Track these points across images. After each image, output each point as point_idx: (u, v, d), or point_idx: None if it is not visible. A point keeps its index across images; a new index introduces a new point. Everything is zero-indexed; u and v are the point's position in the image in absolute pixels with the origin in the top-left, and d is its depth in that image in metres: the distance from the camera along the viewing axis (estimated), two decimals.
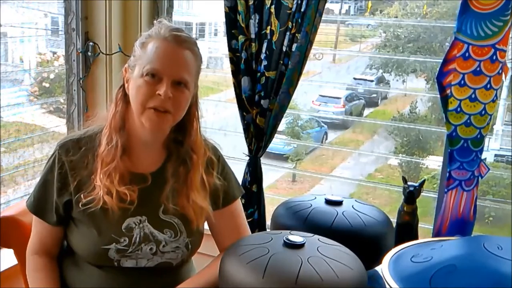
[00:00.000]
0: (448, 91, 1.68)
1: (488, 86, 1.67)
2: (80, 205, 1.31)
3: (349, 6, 7.74)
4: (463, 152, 1.73)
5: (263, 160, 2.12)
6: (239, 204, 1.52)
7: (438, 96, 1.71)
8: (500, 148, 5.21)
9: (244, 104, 2.02)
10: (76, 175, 1.33)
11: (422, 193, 1.76)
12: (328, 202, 1.55)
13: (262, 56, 1.96)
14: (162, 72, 1.28)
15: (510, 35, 1.67)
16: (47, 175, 1.37)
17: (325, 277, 1.15)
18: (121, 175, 1.31)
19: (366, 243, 1.44)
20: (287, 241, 1.24)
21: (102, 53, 2.27)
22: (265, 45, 1.95)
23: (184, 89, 1.30)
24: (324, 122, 6.95)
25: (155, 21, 1.36)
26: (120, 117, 1.35)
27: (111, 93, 2.26)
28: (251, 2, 1.94)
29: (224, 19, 2.00)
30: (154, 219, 1.35)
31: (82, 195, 1.31)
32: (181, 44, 1.31)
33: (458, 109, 1.69)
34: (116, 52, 2.27)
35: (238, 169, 1.97)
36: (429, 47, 6.36)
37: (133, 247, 1.32)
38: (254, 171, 2.08)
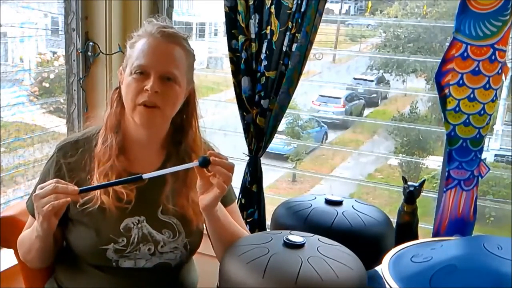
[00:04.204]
0: (447, 91, 1.68)
1: (487, 86, 1.67)
2: (77, 206, 1.31)
3: (349, 6, 7.74)
4: (462, 151, 1.73)
5: (263, 160, 2.12)
6: (236, 206, 1.53)
7: (437, 95, 1.71)
8: (500, 148, 5.21)
9: (244, 104, 2.02)
10: (74, 176, 1.34)
11: (422, 193, 1.76)
12: (328, 202, 1.55)
13: (262, 56, 1.96)
14: (149, 67, 1.29)
15: (510, 35, 1.67)
16: (45, 177, 1.37)
17: (325, 277, 1.15)
18: (118, 175, 1.32)
19: (366, 243, 1.44)
20: (287, 241, 1.24)
21: (102, 53, 2.27)
22: (265, 45, 1.95)
23: (173, 84, 1.31)
24: (324, 122, 6.94)
25: (144, 21, 1.36)
26: (115, 117, 1.36)
27: None
28: (251, 2, 1.94)
29: (224, 19, 2.00)
30: (153, 219, 1.35)
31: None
32: (168, 39, 1.31)
33: (457, 109, 1.69)
34: (116, 52, 2.27)
35: (238, 169, 1.97)
36: (429, 47, 6.36)
37: (131, 247, 1.32)
38: (254, 171, 2.08)
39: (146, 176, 1.24)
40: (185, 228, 1.37)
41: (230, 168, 1.24)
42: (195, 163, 1.24)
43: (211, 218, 1.31)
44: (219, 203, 1.32)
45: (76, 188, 1.21)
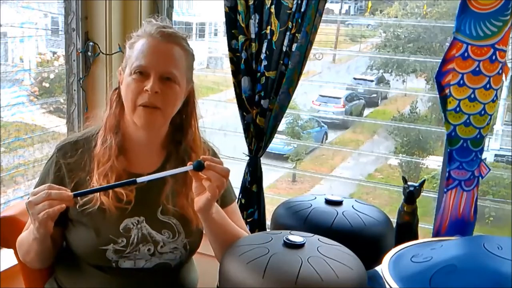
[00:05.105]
0: (447, 91, 1.68)
1: (488, 86, 1.67)
2: (77, 206, 1.31)
3: (349, 6, 7.74)
4: (463, 152, 1.73)
5: (263, 160, 2.12)
6: (236, 206, 1.53)
7: (438, 95, 1.71)
8: (500, 148, 5.21)
9: (244, 104, 2.02)
10: (73, 176, 1.34)
11: (422, 193, 1.76)
12: (328, 202, 1.55)
13: (262, 56, 1.96)
14: (149, 67, 1.29)
15: (510, 35, 1.66)
16: (45, 177, 1.37)
17: (325, 277, 1.15)
18: (117, 175, 1.32)
19: (366, 243, 1.44)
20: (287, 241, 1.24)
21: (102, 53, 2.27)
22: (265, 45, 1.95)
23: (173, 84, 1.31)
24: (324, 122, 6.95)
25: (143, 21, 1.36)
26: (114, 117, 1.36)
27: None
28: (251, 2, 1.94)
29: (224, 19, 2.00)
30: (152, 219, 1.35)
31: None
32: (167, 39, 1.31)
33: (457, 109, 1.69)
34: (116, 52, 2.27)
35: (238, 169, 1.97)
36: (429, 47, 6.36)
37: (130, 248, 1.32)
38: (254, 171, 2.08)
39: (140, 180, 1.24)
40: (184, 228, 1.37)
41: (225, 173, 1.24)
42: (189, 167, 1.23)
43: (207, 220, 1.31)
44: (217, 205, 1.31)
45: (70, 193, 1.20)
